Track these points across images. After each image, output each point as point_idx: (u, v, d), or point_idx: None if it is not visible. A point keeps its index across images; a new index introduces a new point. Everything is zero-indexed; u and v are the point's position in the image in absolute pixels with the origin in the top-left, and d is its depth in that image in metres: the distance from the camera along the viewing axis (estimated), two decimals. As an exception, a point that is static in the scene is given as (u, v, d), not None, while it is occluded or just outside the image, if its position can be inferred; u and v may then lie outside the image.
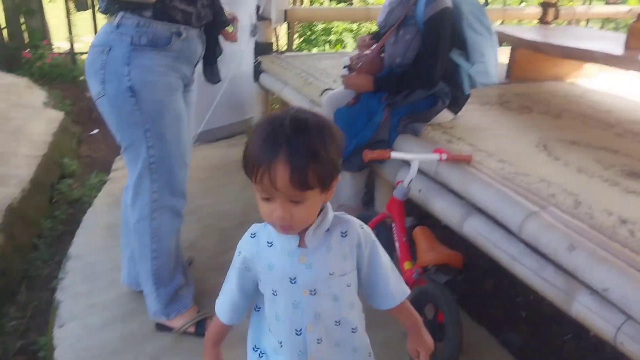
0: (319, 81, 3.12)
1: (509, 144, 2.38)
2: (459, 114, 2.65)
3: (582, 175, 2.09)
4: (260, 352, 1.27)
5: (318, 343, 1.18)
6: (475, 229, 1.94)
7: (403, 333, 1.46)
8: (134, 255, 2.12)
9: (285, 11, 3.72)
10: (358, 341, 1.24)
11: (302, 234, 1.10)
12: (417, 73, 2.40)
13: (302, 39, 6.08)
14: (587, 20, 6.34)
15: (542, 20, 4.75)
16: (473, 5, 2.53)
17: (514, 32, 3.47)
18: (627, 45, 3.01)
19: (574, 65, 3.64)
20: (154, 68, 1.78)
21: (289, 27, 5.67)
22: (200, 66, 2.09)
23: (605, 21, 7.23)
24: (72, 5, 6.04)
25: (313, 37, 5.98)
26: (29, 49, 5.60)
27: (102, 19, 1.92)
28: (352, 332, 1.22)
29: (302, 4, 6.26)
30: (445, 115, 2.56)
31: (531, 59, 3.51)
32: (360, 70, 2.54)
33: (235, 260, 1.20)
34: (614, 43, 3.21)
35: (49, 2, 6.46)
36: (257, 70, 3.81)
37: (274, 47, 4.29)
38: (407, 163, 2.14)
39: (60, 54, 5.87)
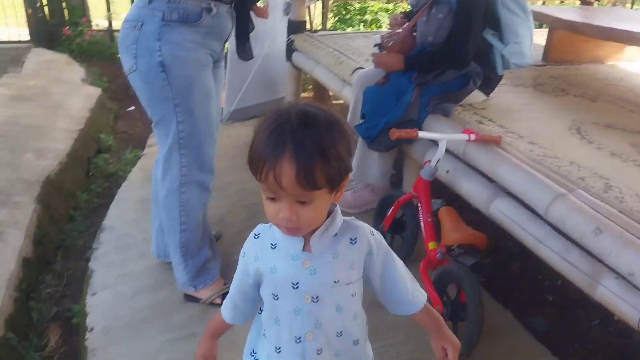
0: (351, 60, 3.11)
1: (540, 126, 2.35)
2: (491, 95, 2.62)
3: (615, 159, 2.05)
4: (256, 358, 1.22)
5: (318, 354, 1.13)
6: (501, 211, 1.92)
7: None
8: (163, 228, 2.17)
9: (320, -11, 3.72)
10: (359, 354, 1.19)
11: (307, 237, 1.05)
12: (449, 52, 2.37)
13: (337, 18, 6.05)
14: (633, 2, 6.14)
15: (584, 1, 4.62)
16: (508, -16, 2.48)
17: (552, 12, 3.39)
18: (673, 28, 2.92)
19: (615, 48, 3.54)
20: (184, 44, 1.81)
21: (323, 6, 5.64)
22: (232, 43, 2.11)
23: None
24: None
25: (348, 16, 5.94)
26: (68, 26, 5.72)
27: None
28: (354, 344, 1.16)
29: (337, -18, 6.22)
30: (476, 96, 2.53)
31: (569, 40, 3.43)
32: (392, 49, 2.52)
33: (239, 261, 1.16)
34: (659, 25, 3.11)
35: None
36: (290, 49, 3.81)
37: (308, 26, 4.29)
38: (435, 143, 2.13)
39: (98, 31, 5.98)
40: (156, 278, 2.29)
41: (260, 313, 1.19)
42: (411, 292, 1.16)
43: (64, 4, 5.88)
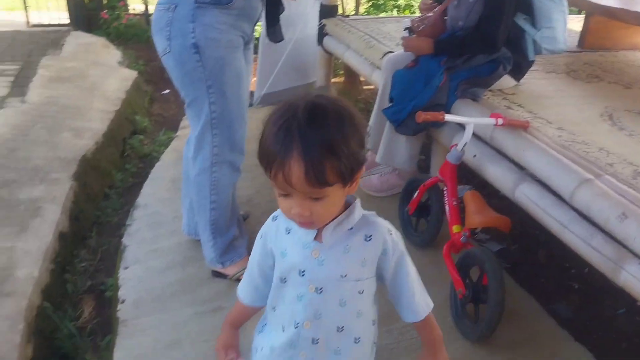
0: (381, 44, 3.11)
1: (571, 112, 2.32)
2: (522, 81, 2.60)
3: (647, 147, 2.02)
4: (262, 334, 1.22)
5: (314, 343, 1.11)
6: (527, 196, 1.92)
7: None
8: (193, 206, 2.23)
9: (352, -27, 3.71)
10: (360, 353, 1.16)
11: (321, 227, 1.04)
12: (479, 37, 2.35)
13: (370, 3, 6.03)
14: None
15: (624, -13, 4.50)
16: (542, -33, 2.45)
17: (589, -3, 3.32)
18: None
19: (653, 35, 3.46)
20: (216, 25, 1.84)
21: (356, -9, 5.63)
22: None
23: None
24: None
25: (382, 1, 5.91)
26: (106, 10, 5.83)
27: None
28: (355, 342, 1.13)
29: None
30: (507, 82, 2.52)
31: (606, 26, 3.36)
32: (422, 33, 2.51)
33: (256, 241, 1.16)
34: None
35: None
36: (321, 34, 3.83)
37: (340, 10, 4.29)
38: (462, 127, 2.13)
39: (135, 15, 6.09)
40: (185, 254, 2.36)
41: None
42: (417, 300, 1.13)
43: (102, -12, 6.01)
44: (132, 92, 4.38)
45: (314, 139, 0.90)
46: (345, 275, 1.06)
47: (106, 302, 2.32)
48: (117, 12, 5.85)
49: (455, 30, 2.47)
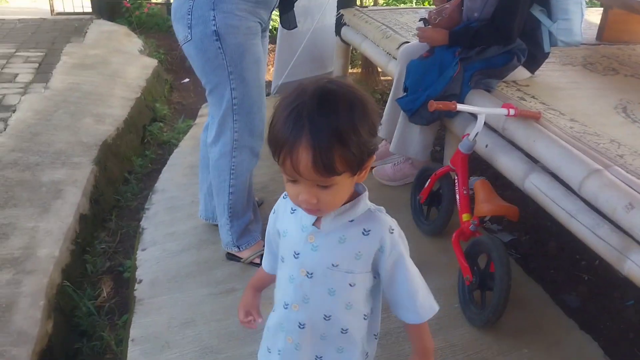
0: (398, 35, 3.13)
1: (585, 104, 2.33)
2: (537, 72, 2.60)
3: (659, 139, 2.03)
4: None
5: (300, 327, 1.12)
6: (536, 186, 1.94)
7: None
8: (211, 191, 2.28)
9: (371, -36, 3.73)
10: (346, 344, 1.14)
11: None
12: (494, 28, 2.37)
13: (390, -6, 6.03)
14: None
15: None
16: (559, -41, 2.45)
17: (608, -10, 3.31)
18: None
19: (674, 29, 3.43)
20: (236, 13, 1.88)
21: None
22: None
23: None
24: (169, -44, 6.28)
25: (401, -7, 5.92)
26: (128, -1, 5.92)
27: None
28: (342, 332, 1.12)
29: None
30: (521, 73, 2.53)
31: (625, 19, 3.34)
32: (438, 24, 2.53)
33: (270, 216, 1.18)
34: None
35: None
36: (339, 24, 3.86)
37: (358, 1, 4.30)
38: (475, 117, 2.15)
39: (156, 4, 6.16)
40: (201, 237, 2.42)
41: None
42: (420, 302, 1.09)
43: (124, -23, 6.09)
44: (152, 80, 4.46)
45: (324, 126, 0.89)
46: (337, 265, 1.05)
47: (124, 282, 2.39)
48: (139, 1, 5.94)
49: (470, 22, 2.48)
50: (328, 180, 0.92)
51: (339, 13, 3.84)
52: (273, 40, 4.05)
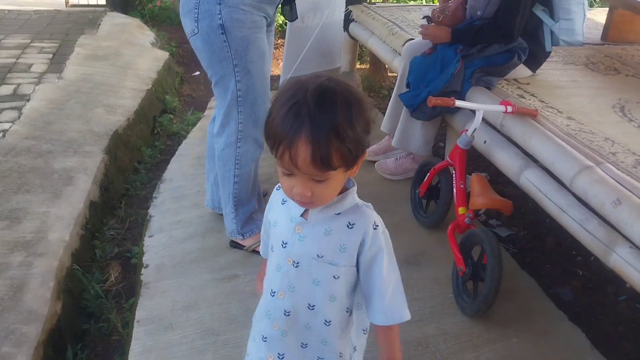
0: (404, 31, 3.18)
1: (583, 103, 2.37)
2: (539, 71, 2.65)
3: (653, 138, 2.07)
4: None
5: (285, 315, 1.15)
6: (530, 181, 2.00)
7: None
8: (217, 181, 2.36)
9: (380, -39, 3.78)
10: (329, 336, 1.16)
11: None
12: (496, 27, 2.41)
13: (400, -9, 6.05)
14: None
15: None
16: (562, -40, 2.49)
17: (613, -10, 3.34)
18: None
19: (679, 30, 3.45)
20: (241, 7, 1.95)
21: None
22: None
23: None
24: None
25: (411, -11, 5.94)
26: (142, -9, 6.01)
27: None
28: (325, 324, 1.15)
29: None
30: (522, 71, 2.57)
31: (631, 20, 3.37)
32: (441, 22, 2.58)
33: (267, 206, 1.23)
34: None
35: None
36: (347, 20, 3.91)
37: (369, -2, 4.34)
38: (474, 113, 2.20)
39: (169, -3, 6.24)
40: (206, 226, 2.49)
41: None
42: (387, 303, 1.10)
43: (138, -30, 6.18)
44: (163, 73, 4.53)
45: (323, 123, 0.92)
46: (322, 256, 1.09)
47: (131, 268, 2.47)
48: (152, -6, 6.02)
49: (473, 20, 2.52)
50: (324, 174, 0.96)
51: (348, 9, 3.89)
52: (283, 34, 4.12)
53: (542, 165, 1.98)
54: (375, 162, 2.95)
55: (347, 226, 1.07)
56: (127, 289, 2.35)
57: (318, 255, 1.09)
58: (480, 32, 2.43)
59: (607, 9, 3.50)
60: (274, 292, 1.16)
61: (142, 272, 2.25)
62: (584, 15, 2.58)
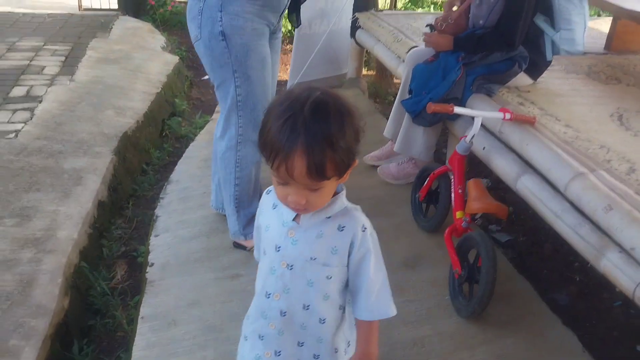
0: (409, 39, 3.24)
1: (581, 111, 2.41)
2: (540, 79, 2.69)
3: (649, 146, 2.11)
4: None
5: (282, 315, 1.20)
6: (527, 187, 2.04)
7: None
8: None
9: (387, -30, 3.84)
10: (324, 334, 1.22)
11: None
12: (498, 35, 2.46)
13: (408, -1, 6.13)
14: None
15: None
16: (564, -29, 2.54)
17: (616, 1, 3.37)
18: None
19: (683, 41, 3.49)
20: (242, 15, 2.01)
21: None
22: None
23: None
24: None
25: (419, -3, 6.02)
26: (153, -4, 6.09)
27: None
28: (320, 322, 1.20)
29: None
30: (523, 80, 2.61)
31: (634, 30, 3.41)
32: (444, 30, 2.63)
33: (257, 213, 1.27)
34: None
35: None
36: (354, 27, 3.97)
37: (381, 4, 4.41)
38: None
39: (180, 2, 6.32)
40: (211, 226, 2.55)
41: None
42: (373, 301, 1.16)
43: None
44: (173, 76, 4.61)
45: (318, 135, 0.96)
46: (315, 258, 1.14)
47: (137, 267, 2.52)
48: (163, -1, 6.11)
49: (476, 29, 2.58)
50: (319, 184, 1.01)
51: (355, 16, 3.95)
52: (291, 40, 4.19)
53: (539, 171, 2.02)
54: (377, 166, 3.00)
55: (338, 229, 1.12)
56: (132, 287, 2.41)
57: (311, 258, 1.14)
58: (482, 40, 2.48)
59: (611, 17, 3.53)
60: (269, 294, 1.20)
61: (147, 271, 2.31)
62: (585, 25, 2.61)
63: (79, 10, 6.17)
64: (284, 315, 1.20)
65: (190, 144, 3.52)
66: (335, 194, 1.13)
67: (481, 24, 2.55)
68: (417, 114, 2.52)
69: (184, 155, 3.36)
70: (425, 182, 2.45)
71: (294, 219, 1.13)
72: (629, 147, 2.07)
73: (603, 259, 1.66)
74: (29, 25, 5.37)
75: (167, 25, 5.98)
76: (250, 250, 2.35)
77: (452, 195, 2.23)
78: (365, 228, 1.14)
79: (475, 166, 3.03)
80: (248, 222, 2.36)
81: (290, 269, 1.16)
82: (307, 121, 0.96)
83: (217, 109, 4.12)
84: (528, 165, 2.10)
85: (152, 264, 2.34)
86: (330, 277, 1.16)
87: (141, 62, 4.63)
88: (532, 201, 2.01)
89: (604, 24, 3.95)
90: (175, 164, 3.29)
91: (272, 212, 1.18)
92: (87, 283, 2.35)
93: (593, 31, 3.90)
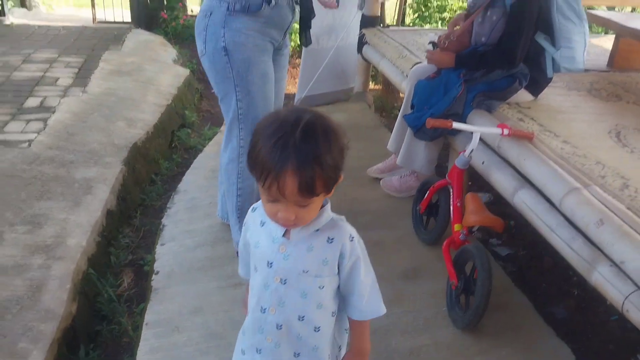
0: (413, 55, 3.31)
1: (580, 128, 2.46)
2: (541, 96, 2.74)
3: (643, 163, 2.15)
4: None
5: (278, 328, 1.23)
6: (523, 201, 2.09)
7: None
8: (225, 193, 2.48)
9: (393, -13, 3.91)
10: (319, 342, 1.26)
11: None
12: (499, 53, 2.51)
13: (416, 15, 6.20)
14: None
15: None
16: (565, -9, 2.59)
17: (618, 19, 3.42)
18: None
19: (685, 59, 3.52)
20: (244, 31, 2.08)
21: (404, 2, 5.78)
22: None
23: None
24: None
25: (427, 13, 6.08)
26: (166, 10, 6.20)
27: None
28: (315, 331, 1.24)
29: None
30: (524, 96, 2.67)
31: (637, 48, 3.45)
32: (447, 48, 2.69)
33: (242, 228, 1.31)
34: None
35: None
36: (361, 42, 4.05)
37: (387, 21, 4.48)
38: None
39: (192, 16, 6.44)
40: (216, 235, 2.61)
41: None
42: (366, 302, 1.24)
43: (163, -11, 6.40)
44: (183, 89, 4.70)
45: (308, 156, 1.01)
46: (307, 271, 1.18)
47: (144, 275, 2.58)
48: (175, 13, 6.23)
49: (478, 46, 2.63)
50: (308, 200, 1.06)
51: (361, 32, 4.03)
52: (300, 54, 4.27)
53: (535, 186, 2.07)
54: (380, 179, 3.06)
55: (327, 241, 1.17)
56: (138, 294, 2.46)
57: (303, 271, 1.18)
58: (484, 57, 2.54)
59: (613, 35, 3.58)
60: (265, 309, 1.24)
61: (152, 278, 2.37)
62: (585, 44, 2.66)
63: (93, 23, 6.31)
64: (280, 329, 1.24)
65: (199, 155, 3.59)
66: (321, 207, 1.17)
67: (483, 41, 2.61)
68: (419, 129, 2.58)
69: (192, 165, 3.43)
70: (426, 195, 2.50)
71: (283, 235, 1.18)
72: (624, 164, 2.11)
73: (594, 272, 1.70)
74: (44, 38, 5.51)
75: (179, 38, 6.09)
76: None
77: (451, 208, 2.28)
78: (353, 237, 1.20)
79: (478, 180, 3.08)
80: (251, 232, 2.41)
81: (284, 283, 1.20)
82: (297, 142, 1.00)
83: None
84: (525, 180, 2.15)
85: (158, 272, 2.40)
86: (323, 287, 1.21)
87: (153, 75, 4.72)
88: (528, 215, 2.06)
89: (607, 41, 3.99)
90: (183, 174, 3.36)
91: (261, 229, 1.22)
92: (94, 290, 2.41)
93: (597, 48, 3.95)
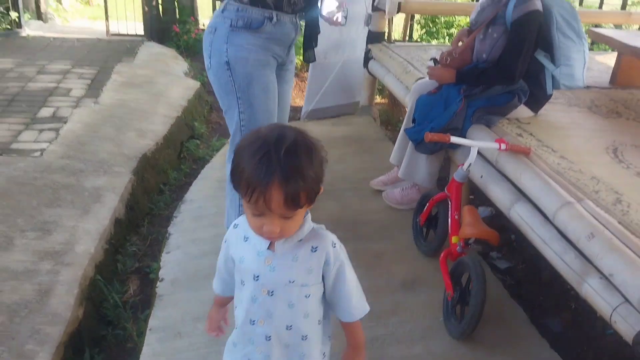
0: (417, 70, 3.37)
1: (578, 143, 2.51)
2: (541, 112, 2.79)
3: (638, 179, 2.19)
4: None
5: (267, 339, 1.28)
6: (519, 214, 2.14)
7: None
8: (232, 203, 2.54)
9: (399, 3, 3.97)
10: (307, 349, 1.30)
11: None
12: (499, 69, 2.57)
13: (424, 30, 6.27)
14: None
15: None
16: (565, 9, 2.65)
17: (620, 37, 3.46)
18: None
19: (687, 77, 3.55)
20: (246, 46, 2.15)
21: (412, 18, 5.85)
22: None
23: None
24: (219, -14, 6.68)
25: (435, 29, 6.15)
26: (178, 24, 6.32)
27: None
28: (302, 339, 1.28)
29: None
30: (523, 112, 2.72)
31: (638, 65, 3.48)
32: (450, 64, 2.75)
33: (222, 245, 1.35)
34: None
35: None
36: (367, 57, 4.13)
37: (393, 36, 4.56)
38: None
39: (204, 30, 6.52)
40: (220, 244, 2.65)
41: None
42: (354, 304, 1.29)
43: (176, 4, 6.53)
44: (193, 101, 4.79)
45: (292, 170, 1.05)
46: (293, 281, 1.22)
47: (149, 282, 2.64)
48: (187, 27, 6.35)
49: (479, 63, 2.69)
50: (293, 212, 1.10)
51: (368, 47, 4.10)
52: (308, 68, 4.34)
53: (531, 200, 2.11)
54: (383, 191, 3.11)
55: (311, 250, 1.22)
56: (143, 301, 2.52)
57: (290, 281, 1.22)
58: (484, 74, 2.60)
59: (615, 52, 3.62)
60: (254, 321, 1.28)
61: (157, 285, 2.43)
62: (584, 62, 2.71)
63: (107, 35, 6.44)
64: (269, 340, 1.28)
65: (206, 166, 3.66)
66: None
67: (484, 58, 2.67)
68: (419, 142, 2.63)
69: (199, 176, 3.50)
70: (425, 208, 2.55)
71: (268, 248, 1.22)
72: (618, 179, 2.15)
73: (584, 284, 1.75)
74: (59, 50, 5.64)
75: (191, 51, 6.19)
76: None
77: (449, 220, 2.33)
78: (335, 244, 1.25)
79: (480, 195, 3.12)
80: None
81: (271, 295, 1.23)
82: (281, 157, 1.05)
83: (233, 132, 4.29)
84: (522, 193, 2.19)
85: (162, 279, 2.46)
86: (309, 296, 1.25)
87: (164, 87, 4.82)
88: (523, 228, 2.11)
89: (611, 58, 4.02)
90: (191, 184, 3.43)
91: (244, 244, 1.26)
92: (101, 295, 2.47)
93: (600, 65, 3.99)
